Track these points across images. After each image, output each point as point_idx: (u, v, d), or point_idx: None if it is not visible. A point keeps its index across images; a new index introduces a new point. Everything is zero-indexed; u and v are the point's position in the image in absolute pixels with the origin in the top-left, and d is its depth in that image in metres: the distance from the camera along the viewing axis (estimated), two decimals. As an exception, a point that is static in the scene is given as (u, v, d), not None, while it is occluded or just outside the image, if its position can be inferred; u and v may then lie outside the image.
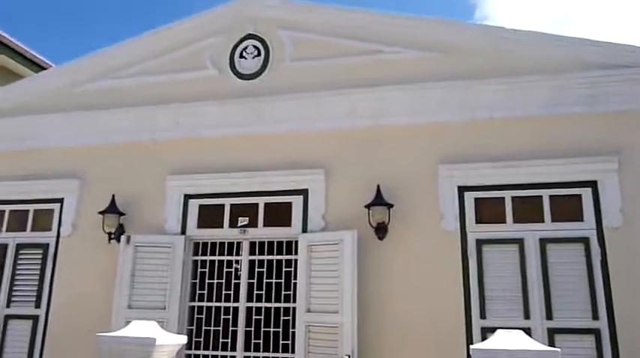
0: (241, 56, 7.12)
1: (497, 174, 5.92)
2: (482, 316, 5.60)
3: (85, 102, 7.45)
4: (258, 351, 6.32)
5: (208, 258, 6.68)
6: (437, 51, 6.44)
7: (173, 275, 6.39)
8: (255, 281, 6.49)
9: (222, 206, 6.67)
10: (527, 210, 5.81)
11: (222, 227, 6.61)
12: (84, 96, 7.52)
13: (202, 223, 6.69)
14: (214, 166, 6.72)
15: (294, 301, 6.10)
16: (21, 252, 7.17)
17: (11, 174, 7.44)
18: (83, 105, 7.43)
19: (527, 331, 5.02)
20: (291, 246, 6.41)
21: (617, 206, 5.57)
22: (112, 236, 6.70)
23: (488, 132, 6.09)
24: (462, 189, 5.99)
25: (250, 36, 7.16)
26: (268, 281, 6.47)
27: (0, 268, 7.14)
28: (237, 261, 6.81)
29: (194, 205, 6.74)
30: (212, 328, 6.51)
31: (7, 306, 6.99)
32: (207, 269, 6.65)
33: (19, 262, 7.14)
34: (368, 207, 5.97)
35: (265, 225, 6.50)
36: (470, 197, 5.97)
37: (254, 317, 6.42)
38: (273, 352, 6.25)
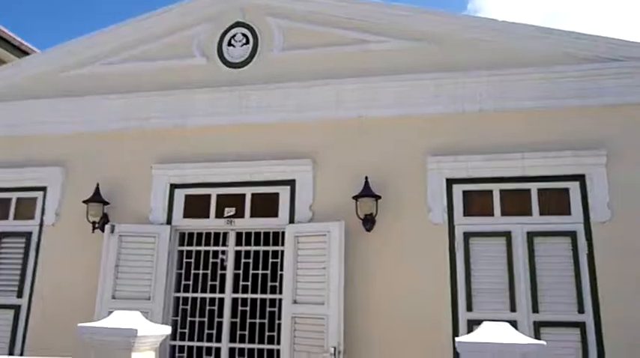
0: (230, 44, 7.01)
1: (486, 166, 5.90)
2: (469, 308, 5.59)
3: (70, 89, 7.31)
4: (244, 342, 6.27)
5: (194, 248, 6.61)
6: (427, 42, 6.39)
7: (158, 266, 6.32)
8: (241, 272, 6.42)
9: (209, 196, 6.59)
10: (515, 203, 5.80)
11: (208, 217, 6.54)
12: (69, 83, 7.38)
13: (188, 213, 6.61)
14: (201, 155, 6.63)
15: (281, 292, 6.06)
16: (3, 240, 7.04)
17: (-6, 161, 7.30)
18: (68, 92, 7.29)
19: (514, 324, 5.00)
20: (278, 237, 6.36)
21: (605, 200, 5.58)
22: (96, 225, 6.59)
23: (478, 125, 6.06)
24: (450, 182, 5.96)
25: (239, 24, 7.05)
26: (254, 272, 6.42)
27: (-19, 257, 7.01)
28: (223, 252, 6.74)
29: (180, 195, 6.65)
30: (197, 319, 6.45)
31: (-12, 295, 6.87)
32: (192, 260, 6.57)
33: (1, 251, 7.01)
34: (356, 198, 5.93)
35: (252, 215, 6.43)
36: (458, 189, 5.95)
37: (240, 308, 6.35)
38: (258, 343, 6.21)
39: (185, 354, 6.38)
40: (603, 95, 5.86)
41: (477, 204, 5.90)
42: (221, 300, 6.37)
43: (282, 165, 6.36)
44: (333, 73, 6.47)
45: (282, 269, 6.13)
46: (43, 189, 7.09)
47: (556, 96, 5.94)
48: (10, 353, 6.54)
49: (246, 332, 6.28)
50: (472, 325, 5.40)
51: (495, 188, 5.87)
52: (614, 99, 5.83)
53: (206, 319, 6.42)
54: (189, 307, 6.48)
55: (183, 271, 6.55)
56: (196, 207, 6.60)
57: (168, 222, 6.56)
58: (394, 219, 5.95)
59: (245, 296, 6.36)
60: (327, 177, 6.27)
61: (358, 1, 6.66)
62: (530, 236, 5.63)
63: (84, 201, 6.61)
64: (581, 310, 5.37)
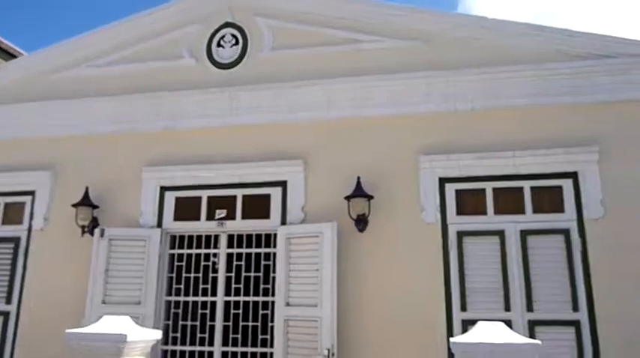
0: (219, 45, 6.95)
1: (479, 165, 5.87)
2: (463, 308, 5.55)
3: (59, 92, 7.22)
4: (237, 346, 6.20)
5: (185, 251, 6.53)
6: (419, 41, 6.36)
7: (149, 270, 6.24)
8: (233, 274, 6.35)
9: (200, 198, 6.52)
10: (508, 202, 5.77)
11: (199, 219, 6.46)
12: (57, 85, 7.28)
13: (179, 216, 6.53)
14: (191, 157, 6.56)
15: (273, 295, 5.99)
16: (-10, 246, 6.94)
17: (-19, 165, 7.19)
18: (56, 95, 7.20)
19: (508, 323, 4.94)
20: (269, 239, 6.30)
21: (598, 197, 5.55)
22: (86, 229, 6.51)
23: (470, 123, 6.03)
24: (442, 181, 5.92)
25: (228, 24, 7.00)
26: (247, 274, 6.36)
27: (-31, 263, 6.90)
28: (214, 255, 6.65)
29: (170, 197, 6.58)
30: (189, 323, 6.37)
31: (-23, 302, 6.76)
32: (184, 263, 6.50)
33: (-11, 257, 6.91)
34: (348, 198, 5.87)
35: (244, 217, 6.36)
36: (451, 188, 5.91)
37: (232, 311, 6.28)
38: (251, 347, 6.14)
39: (177, 359, 6.30)
40: (596, 92, 5.84)
41: (470, 202, 5.86)
42: (213, 303, 6.30)
43: (273, 166, 6.30)
44: (324, 72, 6.42)
45: (274, 272, 6.06)
46: (32, 193, 6.99)
47: (548, 94, 5.92)
48: (-1, 361, 6.45)
49: (239, 336, 6.21)
50: (466, 325, 5.36)
51: (488, 186, 5.83)
52: (607, 96, 5.81)
53: (198, 323, 6.34)
54: (180, 311, 6.40)
55: (174, 274, 6.47)
56: (187, 209, 6.52)
57: (159, 225, 6.49)
58: (387, 219, 5.91)
59: (237, 299, 6.29)
60: (318, 178, 6.21)
61: (349, 0, 6.62)
62: (524, 234, 5.60)
63: (73, 205, 6.52)
64: (575, 308, 5.34)
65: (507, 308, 5.44)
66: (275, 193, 6.29)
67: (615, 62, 5.81)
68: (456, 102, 6.12)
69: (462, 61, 6.15)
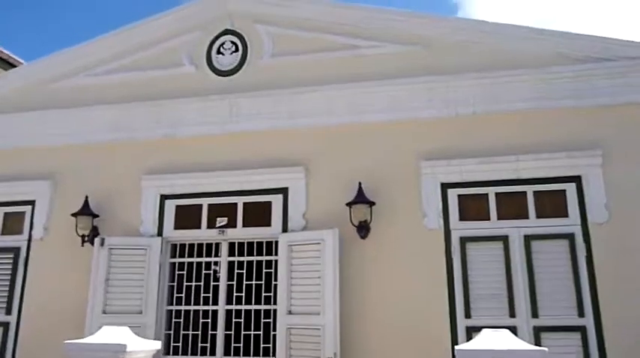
0: (219, 52, 6.94)
1: (481, 170, 5.83)
2: (467, 315, 5.49)
3: (58, 101, 7.21)
4: (239, 355, 6.12)
5: (186, 259, 6.48)
6: (419, 46, 6.34)
7: (149, 279, 6.18)
8: (234, 283, 6.30)
9: (200, 206, 6.48)
10: (512, 207, 5.72)
11: (200, 228, 6.42)
12: (57, 94, 7.27)
13: (179, 224, 6.49)
14: (191, 165, 6.52)
15: (275, 303, 5.94)
16: (-10, 256, 6.89)
17: (-20, 175, 7.16)
18: (56, 104, 7.19)
19: (513, 329, 4.91)
20: (271, 247, 6.25)
21: (602, 201, 5.51)
22: (86, 238, 6.46)
23: (471, 128, 5.99)
24: (444, 186, 5.88)
25: (227, 31, 6.99)
26: (248, 283, 6.31)
27: (-31, 274, 6.85)
28: (215, 263, 6.60)
29: (171, 206, 6.53)
30: (191, 332, 6.31)
31: (-23, 313, 6.71)
32: (185, 272, 6.45)
33: (-11, 267, 6.86)
34: (349, 205, 5.83)
35: (244, 225, 6.32)
36: (453, 194, 5.86)
37: (234, 320, 6.22)
38: (253, 356, 6.07)
39: (179, 369, 6.24)
40: (597, 95, 5.81)
41: (472, 208, 5.81)
42: (214, 312, 6.24)
43: (274, 173, 6.26)
44: (324, 79, 6.40)
45: (276, 280, 6.01)
46: (32, 202, 6.96)
47: (549, 98, 5.89)
48: (-1, 372, 6.39)
49: (241, 345, 6.14)
50: (471, 332, 5.31)
51: (491, 191, 5.79)
52: (608, 99, 5.78)
53: (199, 332, 6.28)
54: (182, 320, 6.34)
55: (175, 283, 6.42)
56: (187, 217, 6.48)
57: (159, 233, 6.44)
58: (389, 225, 5.86)
59: (239, 307, 6.24)
60: (320, 185, 6.17)
61: (347, 6, 6.61)
62: (528, 239, 5.54)
63: (73, 214, 6.48)
64: (581, 313, 5.28)
65: (512, 315, 5.38)
66: (276, 200, 6.25)
67: (615, 65, 5.79)
68: (457, 107, 6.09)
69: (462, 65, 6.13)
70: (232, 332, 6.20)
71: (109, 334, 3.93)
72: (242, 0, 6.99)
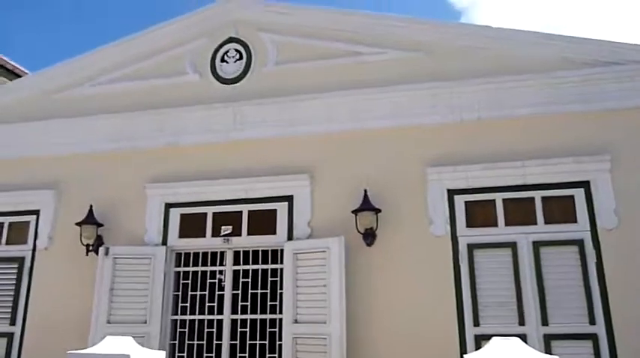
0: (223, 60, 6.92)
1: (487, 176, 5.76)
2: (476, 323, 5.40)
3: (62, 110, 7.21)
4: (244, 365, 6.07)
5: (191, 268, 6.43)
6: (422, 52, 6.31)
7: (154, 288, 6.13)
8: (239, 292, 6.24)
9: (205, 214, 6.44)
10: (520, 213, 5.64)
11: (204, 236, 6.37)
12: (61, 104, 7.27)
13: (184, 233, 6.45)
14: (195, 173, 6.49)
15: (281, 312, 5.87)
16: (-5, 267, 6.87)
17: (-15, 185, 7.16)
18: (60, 113, 7.19)
19: (523, 338, 4.83)
20: (276, 255, 6.20)
21: (611, 206, 5.42)
22: (90, 248, 6.43)
23: (477, 134, 5.93)
24: (451, 193, 5.82)
25: (232, 39, 6.98)
26: (253, 291, 6.24)
27: (-27, 284, 6.82)
28: (220, 272, 6.56)
29: (175, 214, 6.50)
30: (196, 342, 6.26)
31: (-19, 324, 6.67)
32: (189, 281, 6.40)
33: (-6, 278, 6.84)
34: (355, 212, 5.77)
35: (249, 233, 6.27)
36: (460, 200, 5.80)
37: (239, 329, 6.15)
38: (259, 366, 6.01)
39: (184, 379, 6.17)
40: (605, 100, 5.75)
41: (479, 214, 5.74)
42: (220, 322, 6.19)
43: (278, 181, 6.22)
44: (328, 85, 6.37)
45: (281, 288, 5.94)
46: (36, 212, 6.94)
47: (556, 102, 5.83)
48: (3, 384, 6.34)
49: (247, 355, 6.08)
50: (480, 340, 5.22)
51: (498, 197, 5.72)
52: (616, 103, 5.71)
53: (205, 342, 6.22)
54: (187, 330, 6.29)
55: (180, 293, 6.37)
56: (192, 226, 6.44)
57: (164, 242, 6.40)
58: (395, 232, 5.79)
59: (244, 317, 6.17)
60: (325, 192, 6.12)
61: (350, 13, 6.60)
62: (537, 246, 5.46)
63: (77, 224, 6.45)
64: (592, 321, 5.18)
65: (522, 323, 5.29)
66: (281, 208, 6.20)
67: (623, 69, 5.72)
68: (461, 112, 6.04)
69: (466, 71, 6.09)
70: (238, 342, 6.14)
71: (112, 344, 3.87)
72: (246, 8, 6.99)
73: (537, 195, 5.64)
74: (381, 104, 6.23)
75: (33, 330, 6.48)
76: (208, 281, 6.39)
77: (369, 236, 5.74)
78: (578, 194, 5.55)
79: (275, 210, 6.23)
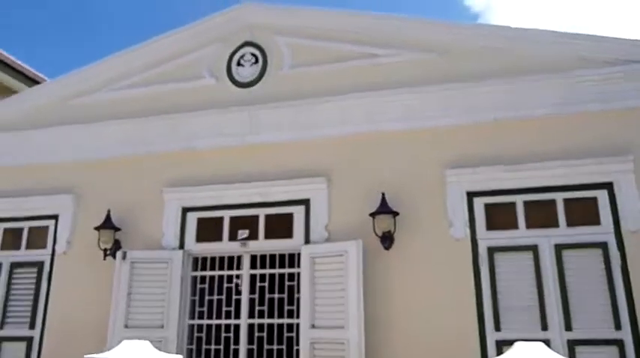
0: (239, 64, 6.92)
1: (507, 178, 5.65)
2: (497, 328, 5.29)
3: (80, 116, 7.27)
4: (262, 370, 6.02)
5: (208, 273, 6.41)
6: (437, 53, 6.23)
7: (171, 292, 6.12)
8: (256, 296, 6.20)
9: (222, 218, 6.42)
10: (541, 215, 5.53)
11: (221, 240, 6.35)
12: (79, 110, 7.33)
13: (201, 237, 6.43)
14: (212, 177, 6.48)
15: (298, 317, 5.82)
16: (15, 271, 6.92)
17: (5, 190, 7.23)
18: (78, 119, 7.25)
19: (546, 343, 4.64)
20: (293, 259, 6.15)
21: (636, 208, 5.28)
22: (108, 252, 6.45)
23: (496, 135, 5.83)
24: (470, 195, 5.72)
25: (247, 43, 6.98)
26: (270, 296, 6.20)
27: (-6, 289, 6.89)
28: (237, 276, 6.51)
29: (192, 218, 6.49)
30: (213, 347, 6.23)
31: (1, 328, 6.72)
32: (206, 285, 6.37)
33: (14, 281, 6.89)
34: (373, 215, 5.70)
35: (266, 237, 6.23)
36: (479, 202, 5.70)
37: (256, 334, 6.11)
38: (277, 371, 5.95)
39: (201, 384, 6.14)
40: (626, 98, 5.61)
41: (500, 217, 5.63)
42: (237, 327, 6.15)
43: (295, 185, 6.18)
44: (344, 88, 6.33)
45: (298, 293, 5.89)
46: (55, 217, 6.99)
47: (576, 102, 5.70)
48: (23, 388, 6.36)
49: (264, 360, 6.03)
50: (501, 346, 5.11)
51: (518, 199, 5.61)
52: (638, 101, 5.58)
53: (222, 346, 6.19)
54: (204, 334, 6.26)
55: (197, 297, 6.35)
56: (209, 230, 6.43)
57: (181, 246, 6.39)
58: (414, 235, 5.72)
59: (261, 321, 6.13)
60: (342, 195, 6.07)
61: (365, 15, 6.56)
62: (559, 248, 5.34)
63: (95, 228, 6.48)
64: (617, 326, 5.04)
65: (544, 328, 5.17)
66: (298, 212, 6.16)
67: (643, 67, 5.59)
68: (480, 113, 5.94)
69: (482, 71, 5.99)
70: (255, 347, 6.09)
71: (129, 348, 3.85)
72: (261, 12, 6.99)
73: (559, 197, 5.52)
74: (395, 106, 6.17)
75: (52, 334, 6.52)
76: (225, 285, 6.37)
77: (387, 239, 5.67)
78: (601, 195, 5.42)
79: (292, 214, 6.19)
